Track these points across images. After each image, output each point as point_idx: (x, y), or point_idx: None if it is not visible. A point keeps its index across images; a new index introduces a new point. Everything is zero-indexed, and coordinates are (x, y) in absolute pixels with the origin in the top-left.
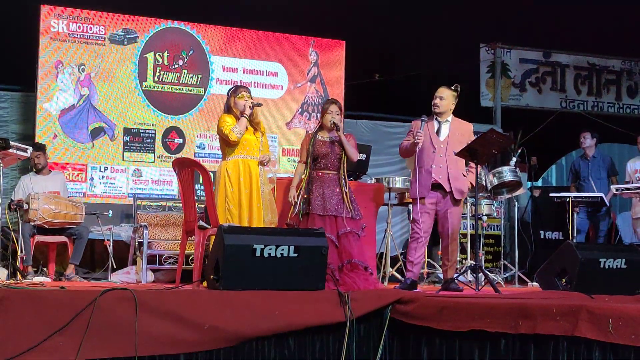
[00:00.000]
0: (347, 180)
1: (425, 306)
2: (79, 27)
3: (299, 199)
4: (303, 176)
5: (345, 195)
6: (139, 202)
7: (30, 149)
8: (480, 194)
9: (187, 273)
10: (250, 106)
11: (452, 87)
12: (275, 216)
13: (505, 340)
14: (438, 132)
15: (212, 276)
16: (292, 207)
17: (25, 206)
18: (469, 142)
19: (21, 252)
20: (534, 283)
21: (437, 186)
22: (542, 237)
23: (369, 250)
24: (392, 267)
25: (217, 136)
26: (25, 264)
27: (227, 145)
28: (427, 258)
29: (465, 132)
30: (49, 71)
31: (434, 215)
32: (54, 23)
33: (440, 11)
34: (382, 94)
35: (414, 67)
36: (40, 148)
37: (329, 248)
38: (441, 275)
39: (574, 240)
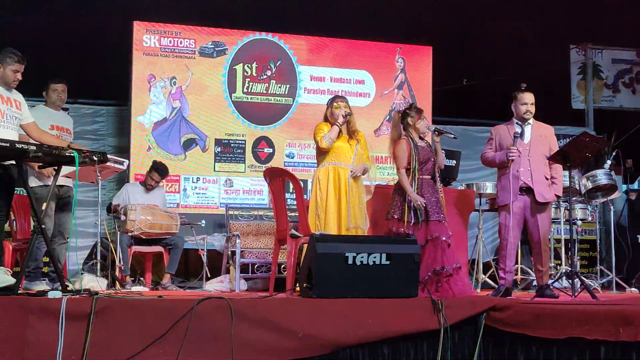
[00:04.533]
0: (441, 185)
1: (520, 313)
2: (170, 42)
3: (411, 206)
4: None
5: (442, 200)
6: (230, 212)
7: (126, 161)
8: (575, 198)
9: (280, 281)
10: (343, 115)
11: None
12: (367, 223)
13: (605, 348)
14: (521, 135)
15: (305, 284)
16: (406, 215)
17: (123, 217)
18: (551, 144)
19: (119, 262)
20: (633, 289)
21: (524, 190)
22: None
23: (461, 256)
24: (484, 273)
25: (306, 145)
26: (124, 273)
27: (321, 152)
28: (520, 264)
29: (548, 134)
30: (142, 85)
31: (522, 220)
32: (146, 38)
33: (527, 13)
34: (470, 98)
35: (501, 71)
36: (165, 174)
37: (442, 251)
38: (535, 282)
39: None
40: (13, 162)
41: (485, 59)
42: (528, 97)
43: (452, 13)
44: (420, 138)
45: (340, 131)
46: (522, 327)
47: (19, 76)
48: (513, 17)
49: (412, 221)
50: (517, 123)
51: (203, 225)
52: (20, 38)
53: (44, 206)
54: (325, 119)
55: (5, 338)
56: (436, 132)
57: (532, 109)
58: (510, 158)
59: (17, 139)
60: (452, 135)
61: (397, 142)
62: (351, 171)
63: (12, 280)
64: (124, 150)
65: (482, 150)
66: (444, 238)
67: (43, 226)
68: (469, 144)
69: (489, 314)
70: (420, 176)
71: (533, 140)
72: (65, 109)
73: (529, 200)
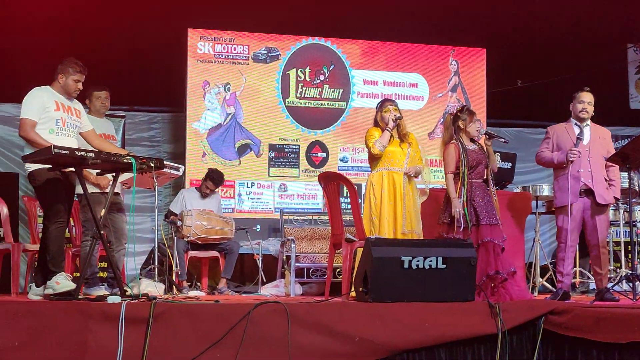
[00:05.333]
0: (494, 188)
1: (580, 317)
2: (224, 48)
3: (463, 211)
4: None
5: (496, 203)
6: (285, 217)
7: (182, 167)
8: (634, 200)
9: (335, 285)
10: (393, 119)
11: (590, 91)
12: (421, 227)
13: None
14: (581, 135)
15: (360, 288)
16: (456, 220)
17: (179, 223)
18: (609, 147)
19: (176, 267)
20: None
21: (584, 191)
22: None
23: (518, 260)
24: (541, 277)
25: (360, 149)
26: (181, 278)
27: (372, 157)
28: (578, 267)
29: (606, 136)
30: (196, 92)
31: (580, 223)
32: (200, 45)
33: (582, 13)
34: (525, 100)
35: (556, 71)
36: (220, 182)
37: (496, 256)
38: (594, 285)
39: None
40: (72, 169)
41: (539, 60)
42: (585, 96)
43: (506, 14)
44: (473, 141)
45: (391, 136)
46: (582, 331)
47: (80, 86)
48: (568, 17)
49: (462, 226)
50: (575, 124)
51: (258, 230)
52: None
53: (102, 212)
54: (375, 124)
55: (67, 342)
56: (487, 136)
57: (589, 108)
58: (570, 159)
59: (77, 147)
60: (503, 140)
61: (446, 146)
62: (405, 173)
63: (73, 285)
64: (179, 157)
65: (536, 152)
66: (496, 242)
67: (102, 232)
68: (524, 146)
69: (548, 318)
70: (471, 180)
71: (592, 141)
72: (121, 116)
73: (589, 202)
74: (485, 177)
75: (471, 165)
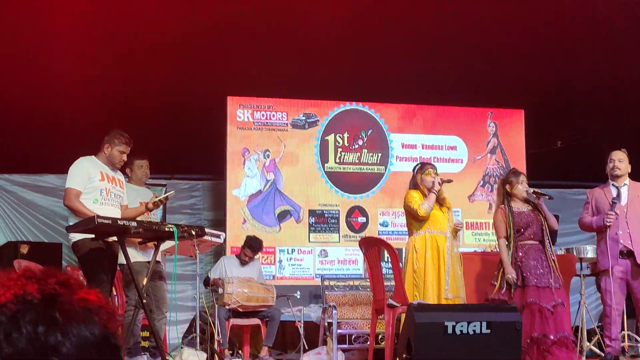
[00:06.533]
0: (552, 248)
1: None
2: (263, 115)
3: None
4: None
5: (553, 263)
6: (326, 283)
7: (223, 235)
8: None
9: (378, 352)
10: (439, 182)
11: (623, 150)
12: (464, 292)
13: None
14: (618, 197)
15: (404, 355)
16: (499, 282)
17: (220, 290)
18: None
19: (218, 335)
20: None
21: (625, 253)
22: None
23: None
24: (588, 341)
25: (400, 213)
26: (222, 347)
27: (416, 220)
28: (626, 330)
29: None
30: (236, 159)
31: (625, 285)
32: (239, 113)
33: (619, 75)
34: (565, 160)
35: (595, 131)
36: (258, 249)
37: (543, 319)
38: None
39: None
40: (115, 238)
41: (579, 119)
42: (616, 155)
43: (543, 75)
44: (528, 202)
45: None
46: None
47: (125, 157)
48: (606, 77)
49: (504, 288)
50: (613, 184)
51: (298, 296)
52: (118, 115)
53: (144, 281)
54: (415, 186)
55: None
56: (535, 195)
57: (621, 165)
58: (607, 223)
59: (119, 216)
60: (547, 196)
61: (495, 212)
62: (456, 225)
63: None
64: (220, 224)
65: (578, 212)
66: (542, 304)
67: (144, 301)
68: (565, 207)
69: None
70: (522, 242)
71: (630, 201)
72: (163, 185)
73: (630, 264)
74: (540, 237)
75: (520, 228)
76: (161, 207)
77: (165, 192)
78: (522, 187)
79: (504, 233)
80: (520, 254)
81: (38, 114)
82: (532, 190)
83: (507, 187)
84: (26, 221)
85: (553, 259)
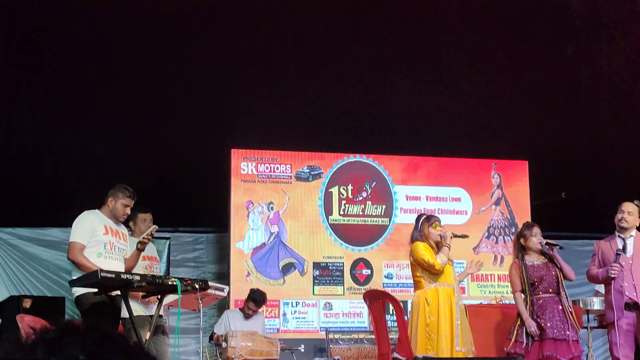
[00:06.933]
0: (569, 299)
1: None
2: (267, 168)
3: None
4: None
5: (570, 315)
6: (331, 336)
7: (226, 288)
8: None
9: None
10: (451, 236)
11: (636, 202)
12: (473, 345)
13: None
14: (624, 249)
15: None
16: (515, 335)
17: (224, 344)
18: None
19: None
20: None
21: (631, 305)
22: None
23: None
24: None
25: (405, 265)
26: None
27: (430, 273)
28: None
29: None
30: (240, 212)
31: (633, 337)
32: (243, 165)
33: (622, 127)
34: (570, 211)
35: (599, 182)
36: (262, 303)
37: None
38: None
39: None
40: (118, 292)
41: (583, 171)
42: (627, 206)
43: (547, 126)
44: (543, 253)
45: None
46: None
47: (128, 211)
48: (608, 130)
49: (524, 342)
50: (619, 236)
51: (303, 350)
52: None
53: (147, 335)
54: (421, 239)
55: None
56: (547, 247)
57: (629, 218)
58: (612, 275)
59: (122, 270)
60: (559, 246)
61: (510, 266)
62: (477, 263)
63: None
64: (223, 277)
65: (584, 264)
66: (559, 357)
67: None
68: (571, 258)
69: None
70: (537, 296)
71: (636, 252)
72: (166, 238)
73: (636, 316)
74: (557, 289)
75: (534, 281)
76: (165, 260)
77: (167, 244)
78: (535, 240)
79: (520, 287)
80: (536, 307)
81: (44, 167)
82: (545, 242)
83: (522, 240)
84: (29, 275)
85: (570, 311)
